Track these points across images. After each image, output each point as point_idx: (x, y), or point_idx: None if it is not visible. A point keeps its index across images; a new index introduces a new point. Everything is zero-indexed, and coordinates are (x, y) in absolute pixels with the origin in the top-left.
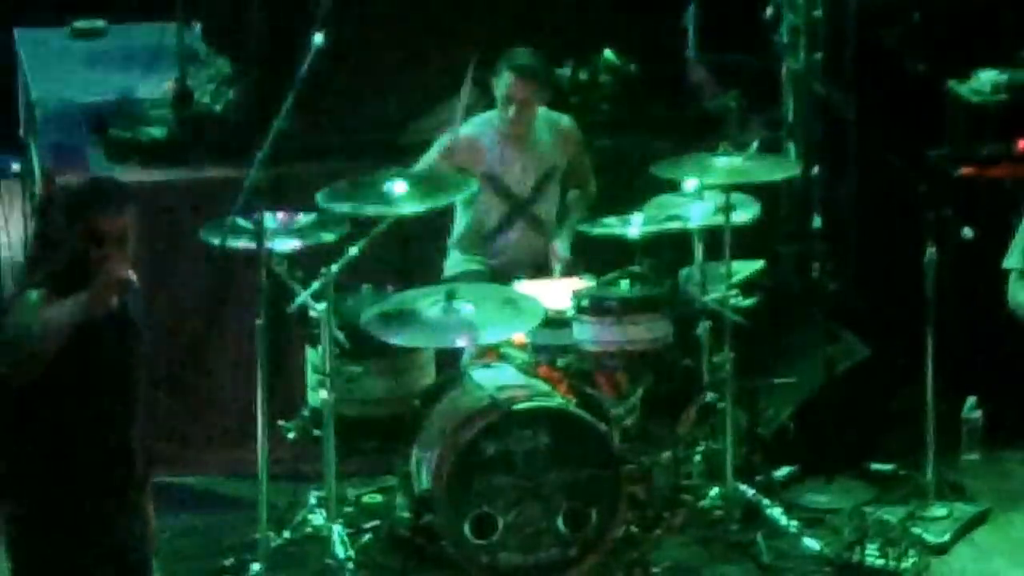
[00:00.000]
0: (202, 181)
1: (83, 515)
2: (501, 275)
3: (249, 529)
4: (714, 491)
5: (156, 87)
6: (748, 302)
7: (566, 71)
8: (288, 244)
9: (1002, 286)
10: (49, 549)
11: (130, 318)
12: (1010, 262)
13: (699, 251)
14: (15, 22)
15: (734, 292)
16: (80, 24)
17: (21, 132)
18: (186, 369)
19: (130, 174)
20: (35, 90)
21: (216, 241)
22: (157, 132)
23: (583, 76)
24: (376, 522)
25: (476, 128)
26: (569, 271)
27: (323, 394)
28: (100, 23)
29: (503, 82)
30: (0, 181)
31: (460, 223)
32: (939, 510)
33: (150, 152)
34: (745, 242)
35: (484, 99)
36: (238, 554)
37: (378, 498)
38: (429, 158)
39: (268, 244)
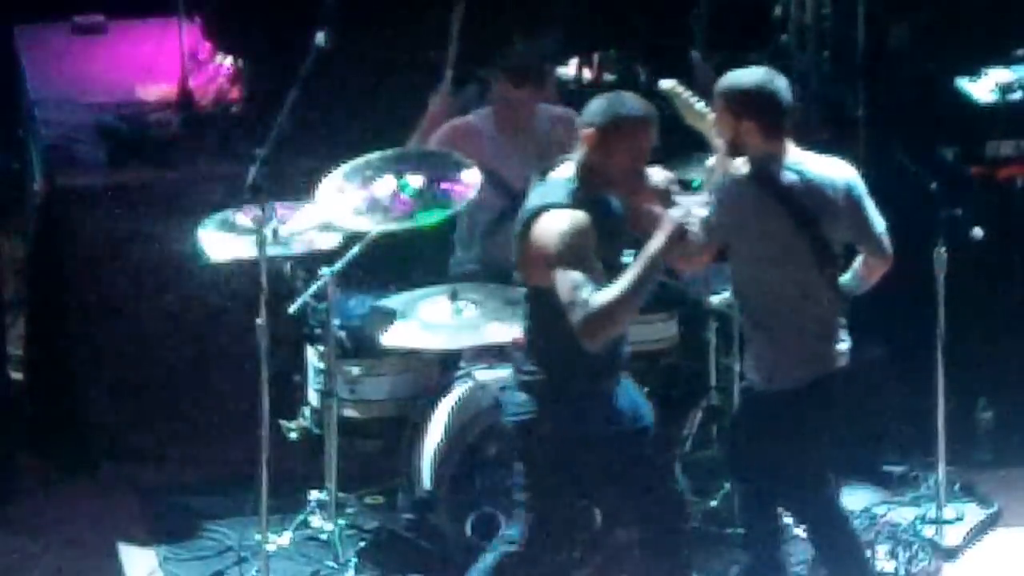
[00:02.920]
0: (203, 180)
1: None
2: (501, 271)
3: (250, 530)
4: (721, 492)
5: (157, 86)
6: None
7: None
8: (290, 244)
9: (1010, 286)
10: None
11: None
12: None
13: None
14: (15, 19)
15: None
16: (80, 21)
17: (20, 131)
18: (187, 368)
19: (131, 173)
20: (35, 88)
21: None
22: (159, 131)
23: (587, 75)
24: (378, 523)
25: (477, 117)
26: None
27: (325, 395)
28: (100, 19)
29: (495, 82)
30: None
31: (461, 219)
32: (950, 512)
33: (151, 151)
34: None
35: (486, 96)
36: (239, 555)
37: (380, 499)
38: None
39: (270, 245)
